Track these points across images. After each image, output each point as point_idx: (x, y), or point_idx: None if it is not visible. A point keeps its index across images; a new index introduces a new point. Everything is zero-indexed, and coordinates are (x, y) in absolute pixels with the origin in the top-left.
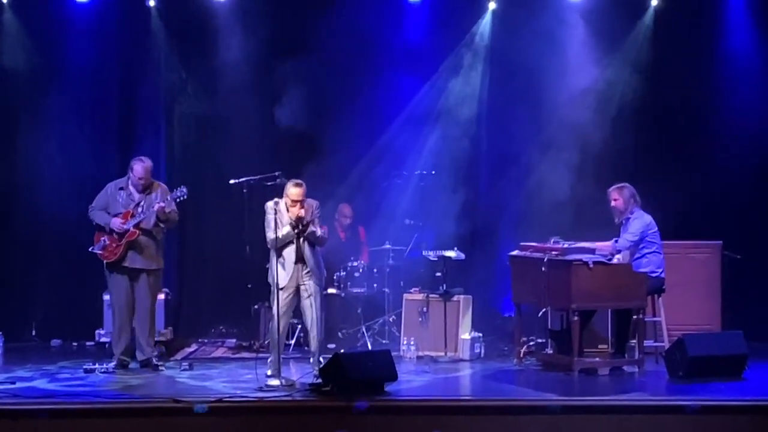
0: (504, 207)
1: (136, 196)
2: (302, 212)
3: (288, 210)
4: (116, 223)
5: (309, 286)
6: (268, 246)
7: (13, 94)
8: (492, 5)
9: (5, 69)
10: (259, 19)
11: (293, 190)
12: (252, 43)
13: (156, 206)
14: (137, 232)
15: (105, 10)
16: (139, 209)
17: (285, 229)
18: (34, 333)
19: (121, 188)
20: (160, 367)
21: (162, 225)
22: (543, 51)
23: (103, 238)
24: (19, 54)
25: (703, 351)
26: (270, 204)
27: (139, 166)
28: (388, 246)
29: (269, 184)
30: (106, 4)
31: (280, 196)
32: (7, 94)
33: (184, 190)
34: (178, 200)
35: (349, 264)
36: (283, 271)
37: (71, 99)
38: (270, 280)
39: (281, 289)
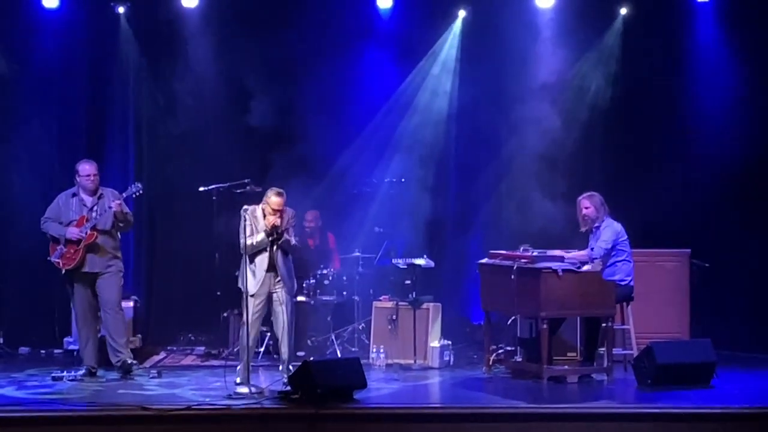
0: (474, 215)
1: (89, 200)
2: (278, 221)
3: (264, 217)
4: (73, 232)
5: (280, 294)
6: (241, 252)
7: None
8: (462, 13)
9: None
10: (229, 26)
11: (275, 199)
12: (221, 50)
13: (113, 205)
14: (95, 234)
15: (74, 16)
16: (93, 213)
17: (259, 236)
18: (1, 341)
19: (74, 195)
20: (135, 368)
21: (121, 225)
22: (512, 59)
23: (59, 247)
24: None
25: (671, 359)
26: (247, 209)
27: (86, 165)
28: (357, 254)
29: (239, 191)
30: (74, 10)
31: (250, 203)
32: None
33: (139, 185)
34: (134, 195)
35: (319, 272)
36: (253, 279)
37: (38, 106)
38: (240, 286)
39: (252, 296)
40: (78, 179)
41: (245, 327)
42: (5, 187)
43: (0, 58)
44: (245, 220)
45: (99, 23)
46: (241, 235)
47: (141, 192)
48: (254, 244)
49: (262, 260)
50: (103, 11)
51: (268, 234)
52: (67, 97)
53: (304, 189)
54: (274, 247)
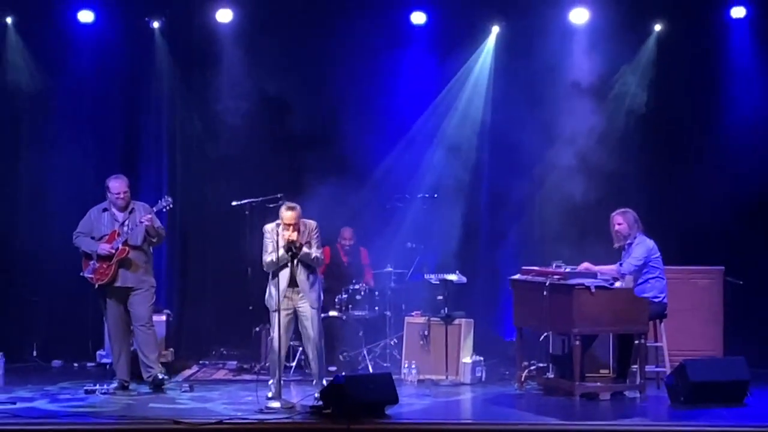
0: (506, 230)
1: (120, 216)
2: (294, 235)
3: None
4: (104, 248)
5: (304, 309)
6: (264, 269)
7: (17, 115)
8: (495, 29)
9: (9, 89)
10: (263, 40)
11: (286, 214)
12: (255, 64)
13: (143, 220)
14: (126, 249)
15: (109, 31)
16: (125, 228)
17: (279, 252)
18: (35, 353)
19: (105, 210)
20: (166, 383)
21: (153, 240)
22: (546, 75)
23: (92, 262)
24: (22, 74)
25: (704, 376)
26: (269, 227)
27: (116, 182)
28: (389, 269)
29: (271, 206)
30: (110, 25)
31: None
32: (11, 114)
33: (169, 199)
34: (164, 210)
35: (351, 287)
36: (276, 294)
37: (74, 120)
38: (266, 300)
39: (275, 311)
40: (108, 195)
41: (274, 342)
42: (40, 201)
43: (35, 72)
44: (268, 237)
45: (134, 38)
46: (263, 252)
47: (171, 206)
48: (274, 261)
49: (284, 275)
50: (138, 26)
51: (287, 249)
52: (101, 110)
53: (337, 203)
54: (295, 262)
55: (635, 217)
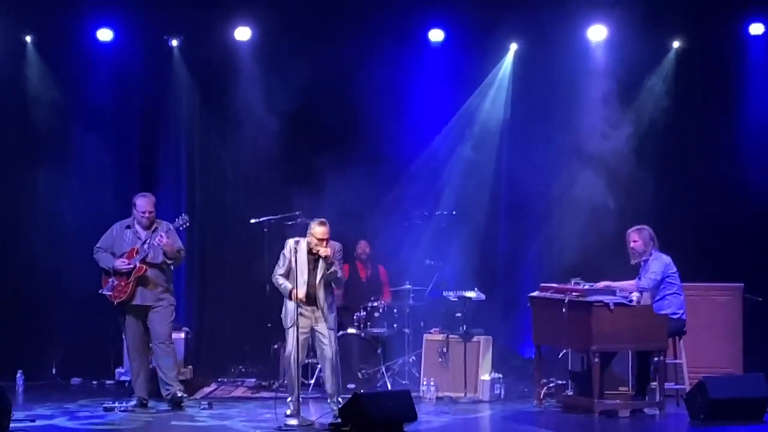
0: (524, 248)
1: (143, 233)
2: (327, 251)
3: (311, 250)
4: (120, 263)
5: (322, 330)
6: (272, 280)
7: (36, 132)
8: (514, 46)
9: (29, 107)
10: (281, 59)
11: (319, 229)
12: (273, 81)
13: (156, 240)
14: (144, 267)
15: (128, 49)
16: (145, 246)
17: (285, 284)
18: (54, 371)
19: (128, 227)
20: (185, 401)
21: (169, 261)
22: (564, 91)
23: (111, 279)
24: (42, 92)
25: (724, 393)
26: (291, 243)
27: (142, 201)
28: (408, 286)
29: (290, 223)
30: (128, 43)
31: (301, 235)
32: (30, 132)
33: (186, 217)
34: (181, 228)
35: (369, 304)
36: (291, 310)
37: (93, 137)
38: (282, 316)
39: (290, 327)
40: (135, 211)
41: (291, 360)
42: (59, 217)
43: (54, 90)
44: (287, 253)
45: (153, 56)
46: (277, 265)
47: (188, 224)
48: (279, 284)
49: (301, 293)
50: (156, 44)
51: (311, 257)
52: (120, 128)
53: (356, 220)
54: (318, 281)
55: (651, 234)
